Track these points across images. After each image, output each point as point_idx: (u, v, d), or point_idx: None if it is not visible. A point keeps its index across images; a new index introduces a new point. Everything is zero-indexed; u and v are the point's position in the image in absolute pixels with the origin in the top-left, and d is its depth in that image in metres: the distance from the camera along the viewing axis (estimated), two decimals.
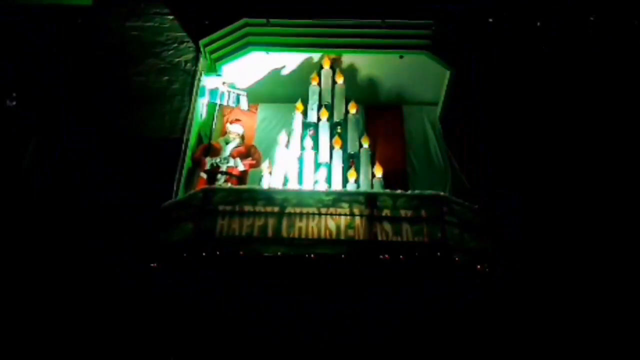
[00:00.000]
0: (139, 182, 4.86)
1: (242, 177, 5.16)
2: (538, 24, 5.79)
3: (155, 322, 4.32)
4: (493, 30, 5.82)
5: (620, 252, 4.71)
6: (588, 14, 5.91)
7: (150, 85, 5.52)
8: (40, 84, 5.50)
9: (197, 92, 5.39)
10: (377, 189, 4.84)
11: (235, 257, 4.15)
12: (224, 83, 5.51)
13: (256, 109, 5.87)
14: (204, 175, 5.10)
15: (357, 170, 5.00)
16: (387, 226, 4.25)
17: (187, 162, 5.10)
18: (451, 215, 4.36)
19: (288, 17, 5.45)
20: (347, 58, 5.61)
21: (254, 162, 5.24)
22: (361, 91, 5.69)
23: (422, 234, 4.23)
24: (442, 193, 4.57)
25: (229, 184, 4.99)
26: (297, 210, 4.28)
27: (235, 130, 5.45)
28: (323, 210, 4.28)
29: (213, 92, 5.44)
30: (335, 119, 5.30)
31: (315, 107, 5.35)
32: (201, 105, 5.45)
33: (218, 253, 4.15)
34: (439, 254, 4.16)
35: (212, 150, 5.29)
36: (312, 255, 4.11)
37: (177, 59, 5.66)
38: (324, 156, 5.07)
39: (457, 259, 4.18)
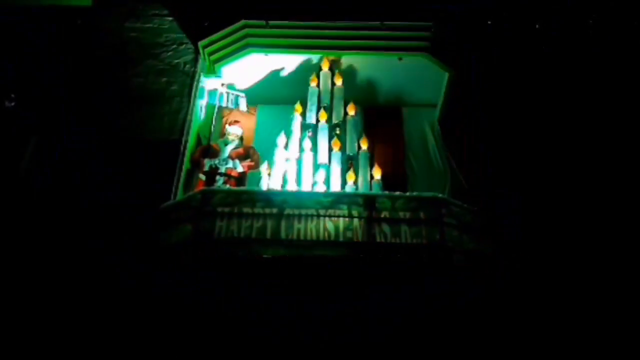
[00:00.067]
0: (139, 183, 4.88)
1: (240, 179, 5.17)
2: (537, 26, 5.79)
3: (155, 322, 4.33)
4: (493, 30, 5.82)
5: (620, 252, 4.71)
6: (588, 15, 5.91)
7: (150, 86, 5.52)
8: (40, 84, 5.51)
9: (196, 94, 5.40)
10: (376, 190, 4.84)
11: (234, 259, 4.17)
12: (223, 84, 5.52)
13: (255, 111, 5.86)
14: (202, 177, 5.10)
15: (356, 172, 5.01)
16: (386, 228, 4.26)
17: (186, 163, 5.10)
18: (450, 217, 4.37)
19: (287, 18, 5.44)
20: (346, 60, 5.61)
21: (252, 163, 5.24)
22: (360, 93, 5.69)
23: (421, 235, 4.24)
24: (440, 195, 4.57)
25: (228, 186, 5.00)
26: (296, 211, 4.28)
27: (234, 131, 5.44)
28: (322, 212, 4.28)
29: (212, 93, 5.45)
30: (334, 120, 5.30)
31: (314, 108, 5.35)
32: (200, 107, 5.45)
33: (216, 255, 4.17)
34: (437, 255, 4.17)
35: (211, 152, 5.29)
36: (311, 257, 4.13)
37: (176, 61, 5.67)
38: (322, 158, 5.08)
39: (455, 260, 4.20)
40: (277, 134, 5.27)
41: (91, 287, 4.43)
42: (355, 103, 5.44)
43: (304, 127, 5.27)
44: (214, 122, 5.65)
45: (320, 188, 4.85)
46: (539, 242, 4.72)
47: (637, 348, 4.36)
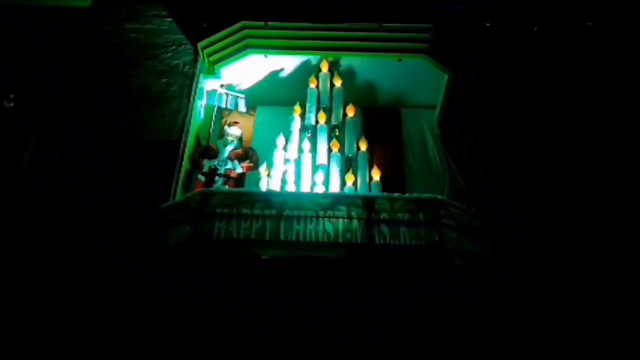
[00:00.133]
0: (139, 183, 4.87)
1: (239, 180, 5.18)
2: (535, 28, 5.78)
3: (155, 322, 4.33)
4: (492, 31, 5.81)
5: (620, 252, 4.70)
6: (588, 15, 5.90)
7: (149, 87, 5.52)
8: (40, 84, 5.50)
9: (195, 95, 5.39)
10: (375, 192, 4.85)
11: (233, 260, 4.18)
12: (222, 85, 5.53)
13: (254, 112, 5.88)
14: (201, 178, 5.11)
15: (355, 173, 5.00)
16: (385, 229, 4.27)
17: (185, 164, 5.10)
18: (449, 219, 4.39)
19: (286, 20, 5.44)
20: (346, 61, 5.60)
21: (251, 164, 5.24)
22: (359, 94, 5.68)
23: (420, 237, 4.26)
24: (439, 196, 4.58)
25: (227, 187, 5.01)
26: (295, 213, 4.30)
27: (233, 132, 5.44)
28: (321, 213, 4.30)
29: (211, 94, 5.46)
30: (333, 122, 5.30)
31: (313, 110, 5.35)
32: (199, 108, 5.45)
33: (216, 256, 4.18)
34: (436, 257, 4.18)
35: (210, 153, 5.29)
36: (310, 258, 4.13)
37: (176, 62, 5.67)
38: (322, 159, 5.08)
39: (455, 261, 4.21)
40: (276, 135, 5.27)
41: (91, 287, 4.43)
42: (355, 104, 5.43)
43: (303, 128, 5.27)
44: (213, 123, 5.65)
45: (320, 189, 4.85)
46: (539, 243, 4.70)
47: (637, 348, 4.36)
